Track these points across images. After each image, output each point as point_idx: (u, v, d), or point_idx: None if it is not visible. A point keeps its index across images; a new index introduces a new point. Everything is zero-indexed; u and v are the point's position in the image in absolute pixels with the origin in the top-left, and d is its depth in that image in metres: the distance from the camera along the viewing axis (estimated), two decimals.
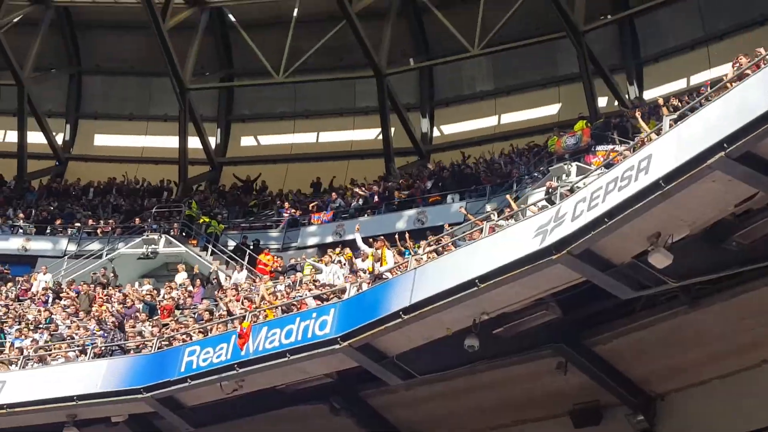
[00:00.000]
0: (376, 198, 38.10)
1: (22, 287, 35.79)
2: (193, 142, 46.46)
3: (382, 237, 29.25)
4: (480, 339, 21.45)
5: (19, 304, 33.94)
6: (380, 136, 44.66)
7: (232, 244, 38.65)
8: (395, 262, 26.08)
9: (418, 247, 26.52)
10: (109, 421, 26.85)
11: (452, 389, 24.16)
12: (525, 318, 21.56)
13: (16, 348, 29.49)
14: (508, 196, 29.15)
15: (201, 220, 39.70)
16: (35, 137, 47.73)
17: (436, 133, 45.66)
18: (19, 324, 31.59)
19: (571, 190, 21.75)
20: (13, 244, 40.52)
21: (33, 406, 26.55)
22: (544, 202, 23.39)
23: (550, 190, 25.42)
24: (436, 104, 46.01)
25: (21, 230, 41.24)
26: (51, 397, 26.33)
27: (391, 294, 22.71)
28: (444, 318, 21.59)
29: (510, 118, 43.99)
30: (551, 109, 43.22)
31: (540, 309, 21.37)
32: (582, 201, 19.49)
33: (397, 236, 29.17)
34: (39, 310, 32.69)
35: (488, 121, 44.47)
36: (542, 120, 42.72)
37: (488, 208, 31.50)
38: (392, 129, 44.21)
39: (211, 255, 37.62)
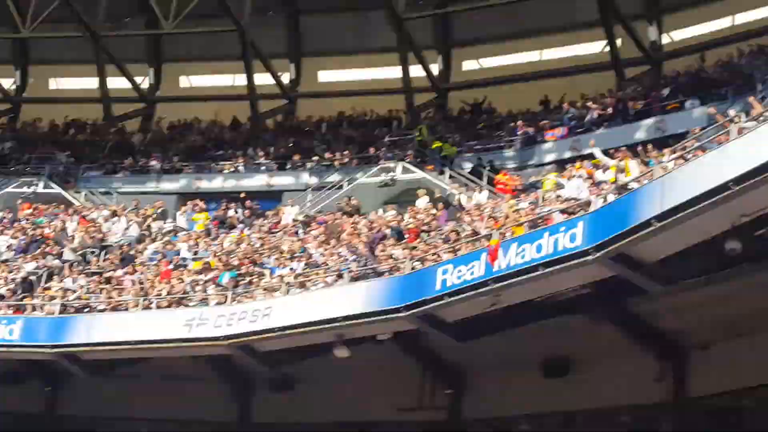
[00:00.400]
0: (610, 110, 37.76)
1: (273, 221, 37.35)
2: (415, 71, 46.97)
3: (624, 148, 29.29)
4: (742, 241, 21.22)
5: (273, 236, 35.47)
6: (606, 48, 44.09)
7: (468, 166, 39.13)
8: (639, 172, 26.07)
9: (662, 155, 26.40)
10: (376, 339, 28.01)
11: (718, 293, 23.86)
12: None
13: (277, 276, 30.95)
14: (751, 99, 28.50)
15: (434, 145, 40.29)
16: (263, 79, 49.17)
17: (665, 39, 44.56)
18: (276, 254, 33.05)
19: None
20: (258, 180, 42.31)
21: (302, 327, 27.88)
22: None
23: None
24: (664, 10, 44.79)
25: (263, 168, 42.92)
26: (318, 319, 27.54)
27: (639, 203, 22.66)
28: (699, 223, 21.39)
29: (746, 17, 42.16)
30: None
31: None
32: None
33: (639, 147, 29.07)
34: (292, 241, 34.09)
35: (722, 23, 43.01)
36: None
37: (731, 112, 30.85)
38: (618, 40, 43.56)
39: (448, 178, 38.24)
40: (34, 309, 32.76)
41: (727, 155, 21.29)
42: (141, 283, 33.05)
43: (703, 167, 21.73)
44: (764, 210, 20.94)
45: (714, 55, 39.31)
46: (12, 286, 34.62)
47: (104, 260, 36.44)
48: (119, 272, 34.45)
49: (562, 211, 26.29)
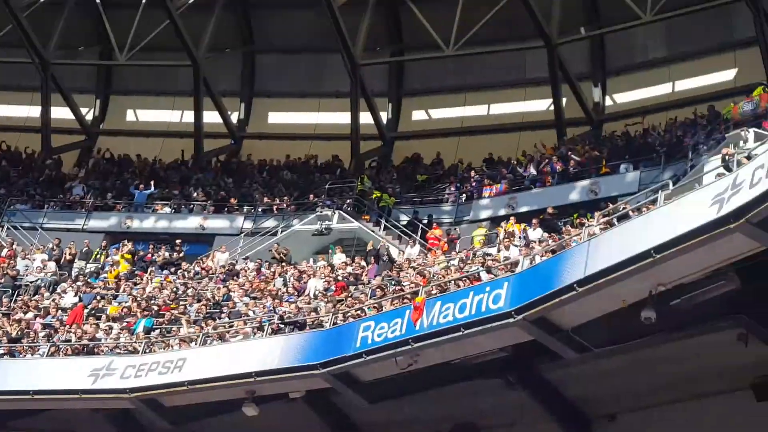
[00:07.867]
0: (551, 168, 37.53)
1: (201, 265, 36.32)
2: (365, 118, 46.60)
3: None
4: (657, 311, 21.03)
5: (198, 283, 34.55)
6: (552, 107, 43.96)
7: (404, 219, 38.56)
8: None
9: (591, 218, 26.26)
10: (287, 397, 27.24)
11: (629, 362, 23.74)
12: (703, 289, 21.04)
13: (196, 327, 30.08)
14: None
15: (374, 195, 39.77)
16: (211, 117, 48.45)
17: (608, 102, 44.66)
18: (198, 302, 32.21)
19: (749, 157, 21.07)
20: (191, 222, 41.06)
21: (213, 382, 27.11)
22: (721, 170, 22.64)
23: (727, 157, 24.53)
24: (608, 73, 44.94)
25: (199, 208, 41.80)
26: (230, 374, 26.83)
27: (565, 266, 22.56)
28: (619, 290, 21.34)
29: (684, 84, 42.60)
30: (727, 75, 41.71)
31: (718, 279, 20.82)
32: (760, 168, 18.93)
33: None
34: (217, 288, 33.28)
35: (662, 89, 43.21)
36: (718, 86, 41.24)
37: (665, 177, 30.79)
38: (564, 99, 43.51)
39: (383, 230, 37.62)
40: None
41: (651, 222, 21.22)
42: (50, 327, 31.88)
43: (628, 233, 21.63)
44: (680, 280, 20.82)
45: (652, 120, 39.57)
46: None
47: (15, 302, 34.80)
48: (29, 315, 33.09)
49: (488, 272, 25.94)
